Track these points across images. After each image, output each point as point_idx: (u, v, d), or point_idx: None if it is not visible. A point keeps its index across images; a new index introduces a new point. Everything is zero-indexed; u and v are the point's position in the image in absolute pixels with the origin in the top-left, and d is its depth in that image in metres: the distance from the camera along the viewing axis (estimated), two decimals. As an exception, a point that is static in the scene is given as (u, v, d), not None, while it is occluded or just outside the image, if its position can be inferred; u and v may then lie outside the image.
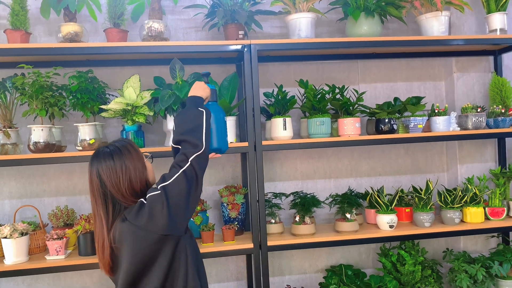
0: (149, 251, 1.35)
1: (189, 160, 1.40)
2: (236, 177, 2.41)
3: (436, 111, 2.20)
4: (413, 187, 2.32)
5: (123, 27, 2.08)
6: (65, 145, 2.14)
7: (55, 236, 1.97)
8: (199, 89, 1.60)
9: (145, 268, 1.37)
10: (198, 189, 1.42)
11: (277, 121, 2.07)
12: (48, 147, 1.95)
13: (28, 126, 1.95)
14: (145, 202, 1.36)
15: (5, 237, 1.92)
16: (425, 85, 2.54)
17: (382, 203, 2.16)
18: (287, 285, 2.25)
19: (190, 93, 1.59)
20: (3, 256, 1.97)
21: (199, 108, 1.51)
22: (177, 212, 1.35)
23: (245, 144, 2.01)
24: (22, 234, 1.95)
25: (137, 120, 1.99)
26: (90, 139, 1.99)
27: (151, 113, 2.00)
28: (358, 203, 2.23)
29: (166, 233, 1.34)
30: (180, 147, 1.47)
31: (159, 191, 1.35)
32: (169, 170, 1.42)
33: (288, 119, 2.07)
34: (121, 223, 1.36)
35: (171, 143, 1.54)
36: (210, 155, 1.63)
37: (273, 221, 2.19)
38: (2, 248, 1.98)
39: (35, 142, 1.94)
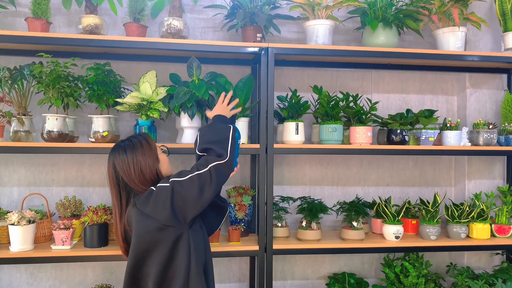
0: (150, 238, 1.42)
1: (209, 166, 1.47)
2: (245, 178, 2.41)
3: (448, 125, 2.20)
4: (421, 199, 2.33)
5: (142, 23, 2.10)
6: (77, 136, 2.15)
7: (62, 226, 1.98)
8: (225, 110, 1.71)
9: (146, 254, 1.44)
10: (207, 195, 1.45)
11: (290, 125, 2.07)
12: (61, 136, 1.96)
13: (43, 114, 1.96)
14: (154, 190, 1.45)
15: (13, 224, 1.92)
16: (438, 98, 2.55)
17: (389, 213, 2.16)
18: (289, 290, 2.24)
19: (215, 112, 1.70)
20: (8, 243, 1.98)
21: (227, 124, 1.62)
22: (180, 208, 1.42)
23: (257, 146, 2.01)
24: (29, 222, 1.95)
25: (151, 115, 2.00)
26: (104, 131, 2.00)
27: (165, 109, 2.01)
28: (365, 212, 2.23)
29: (166, 224, 1.41)
30: (205, 154, 1.55)
31: (169, 184, 1.43)
32: (190, 169, 1.50)
33: (300, 124, 2.07)
34: (132, 207, 1.48)
35: (196, 150, 1.60)
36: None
37: (279, 224, 2.19)
38: (7, 235, 1.98)
39: (49, 131, 1.95)
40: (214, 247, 2.02)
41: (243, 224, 2.18)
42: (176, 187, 1.42)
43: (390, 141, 2.17)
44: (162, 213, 1.41)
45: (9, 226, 1.93)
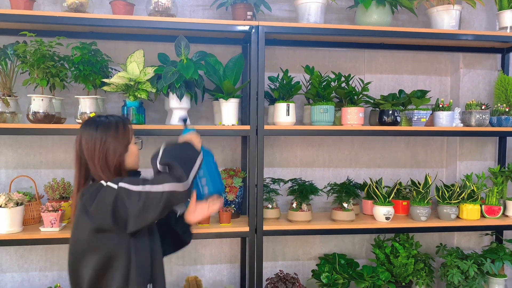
0: (87, 239, 1.30)
1: (164, 188, 1.27)
2: (236, 161, 2.39)
3: (441, 105, 2.18)
4: (412, 180, 2.32)
5: (129, 0, 2.03)
6: (64, 117, 2.11)
7: (50, 208, 1.96)
8: (195, 138, 1.49)
9: (82, 255, 1.32)
10: (149, 217, 1.28)
11: (281, 106, 2.05)
12: (48, 118, 1.92)
13: (28, 95, 1.92)
14: (103, 186, 1.30)
15: (0, 206, 1.90)
16: (431, 79, 2.52)
17: (380, 195, 2.16)
18: (280, 270, 2.25)
19: (185, 139, 1.47)
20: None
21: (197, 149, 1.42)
22: (122, 217, 1.27)
23: (247, 127, 1.99)
24: (17, 204, 1.93)
25: (139, 96, 1.96)
26: (91, 113, 1.96)
27: (154, 90, 1.97)
28: (356, 193, 2.23)
29: (106, 228, 1.28)
30: (165, 170, 1.35)
31: (116, 188, 1.28)
32: (149, 179, 1.32)
33: (291, 105, 2.05)
34: (78, 199, 1.34)
35: (157, 161, 1.35)
36: (213, 206, 1.50)
37: (270, 206, 2.19)
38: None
39: (35, 112, 1.91)
40: (205, 229, 2.02)
41: (233, 205, 2.17)
42: (121, 194, 1.26)
43: (382, 122, 2.15)
44: (103, 215, 1.27)
45: (-3, 209, 1.91)
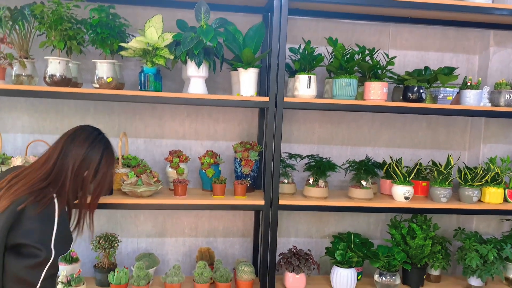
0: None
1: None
2: (252, 135, 2.35)
3: (468, 84, 2.09)
4: (433, 161, 2.25)
5: (149, -37, 1.97)
6: (81, 82, 2.09)
7: (65, 173, 1.95)
8: None
9: None
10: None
11: (301, 78, 1.98)
12: (64, 81, 1.89)
13: (45, 57, 1.89)
14: (52, 220, 1.23)
15: (16, 169, 1.90)
16: (458, 57, 2.42)
17: (400, 173, 2.10)
18: (293, 246, 2.23)
19: None
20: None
21: None
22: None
23: (266, 98, 1.93)
24: (33, 167, 1.93)
25: (156, 62, 1.91)
26: (108, 78, 1.92)
27: (172, 57, 1.92)
28: (374, 172, 2.17)
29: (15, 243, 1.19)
30: None
31: (42, 248, 1.19)
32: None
33: (313, 77, 1.98)
34: (28, 200, 1.23)
35: None
36: None
37: (286, 181, 2.15)
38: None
39: (51, 75, 1.88)
40: (220, 200, 1.99)
41: (249, 179, 2.13)
42: (43, 255, 1.18)
43: (406, 99, 2.07)
44: (30, 239, 1.18)
45: (13, 171, 1.91)
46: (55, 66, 1.87)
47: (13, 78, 1.95)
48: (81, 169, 1.36)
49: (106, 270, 2.12)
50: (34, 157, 1.96)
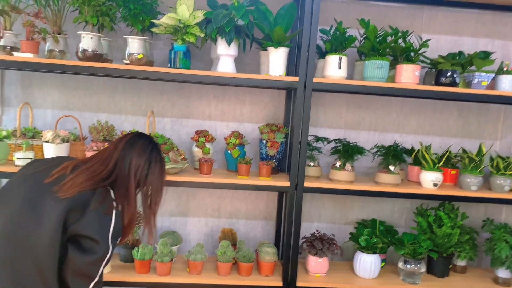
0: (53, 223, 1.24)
1: None
2: (278, 117, 2.33)
3: (505, 69, 2.02)
4: (463, 149, 2.20)
5: None
6: (111, 59, 2.10)
7: (94, 148, 1.98)
8: None
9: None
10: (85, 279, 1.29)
11: (332, 59, 1.95)
12: (96, 56, 1.91)
13: (78, 32, 1.91)
14: (110, 216, 1.30)
15: (47, 141, 1.93)
16: (493, 43, 2.34)
17: (429, 160, 2.05)
18: (317, 230, 2.21)
19: None
20: (44, 161, 2.00)
21: None
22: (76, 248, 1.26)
23: (295, 78, 1.91)
24: (63, 141, 1.96)
25: (187, 39, 1.91)
26: (138, 54, 1.93)
27: (202, 34, 1.92)
28: (402, 158, 2.13)
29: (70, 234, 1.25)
30: None
31: (102, 244, 1.27)
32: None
33: (344, 58, 1.94)
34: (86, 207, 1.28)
35: None
36: None
37: (312, 164, 2.13)
38: (42, 154, 2.00)
39: (84, 50, 1.90)
40: (245, 180, 1.99)
41: (274, 161, 2.12)
42: (101, 251, 1.27)
43: (438, 83, 2.02)
44: (88, 228, 1.25)
45: (44, 144, 1.95)
46: (88, 41, 1.89)
47: (46, 53, 1.98)
48: (141, 178, 1.42)
49: (131, 246, 2.15)
50: (65, 131, 1.99)
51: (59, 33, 1.99)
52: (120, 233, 1.35)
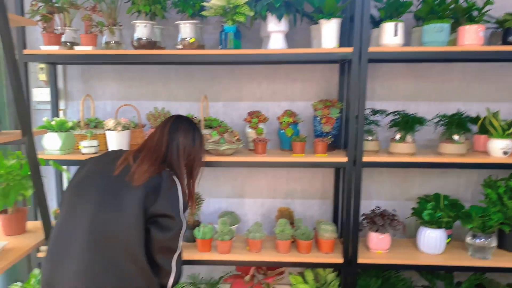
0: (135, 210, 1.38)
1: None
2: (330, 94, 2.28)
3: None
4: (536, 114, 2.03)
5: None
6: (164, 46, 2.16)
7: (154, 134, 2.04)
8: None
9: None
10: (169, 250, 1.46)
11: (388, 26, 1.86)
12: (150, 44, 1.97)
13: (132, 22, 1.97)
14: (176, 193, 1.45)
15: (109, 129, 2.03)
16: None
17: (498, 126, 1.92)
18: (377, 206, 2.16)
19: None
20: (106, 150, 2.10)
21: None
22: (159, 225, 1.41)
23: (349, 49, 1.85)
24: (124, 128, 2.05)
25: (237, 19, 1.91)
26: (191, 38, 1.97)
27: (252, 13, 1.90)
28: (467, 127, 2.01)
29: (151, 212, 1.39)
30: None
31: (177, 219, 1.42)
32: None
33: (400, 24, 1.85)
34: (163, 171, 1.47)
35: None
36: None
37: (369, 138, 2.07)
38: (105, 142, 2.10)
39: (138, 38, 1.96)
40: (300, 158, 1.97)
41: (330, 137, 2.09)
42: (178, 228, 1.42)
43: (505, 43, 1.87)
44: (160, 206, 1.40)
45: (107, 132, 2.05)
46: (142, 29, 1.95)
47: (103, 45, 2.07)
48: (189, 154, 1.59)
49: (191, 227, 2.22)
50: (125, 119, 2.08)
51: (114, 25, 2.06)
52: (186, 206, 1.50)
